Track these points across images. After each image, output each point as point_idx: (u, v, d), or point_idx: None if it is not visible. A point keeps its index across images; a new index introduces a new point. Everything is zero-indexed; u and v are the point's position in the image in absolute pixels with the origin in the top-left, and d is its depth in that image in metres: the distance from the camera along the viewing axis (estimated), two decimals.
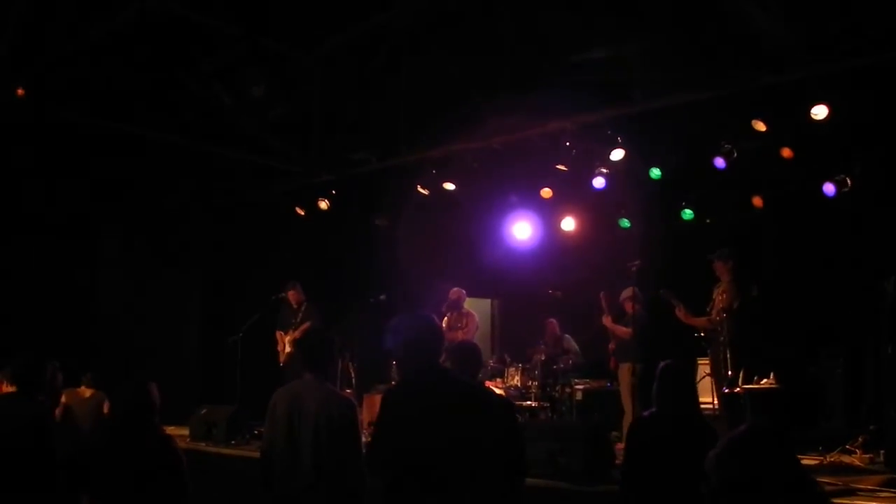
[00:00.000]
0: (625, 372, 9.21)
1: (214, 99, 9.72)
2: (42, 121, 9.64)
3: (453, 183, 10.78)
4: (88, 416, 8.40)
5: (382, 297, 10.56)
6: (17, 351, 6.03)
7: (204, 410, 9.42)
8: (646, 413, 5.13)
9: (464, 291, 11.02)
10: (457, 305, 10.86)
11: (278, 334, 10.94)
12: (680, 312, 8.38)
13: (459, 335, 10.29)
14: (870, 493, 5.62)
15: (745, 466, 2.69)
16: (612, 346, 9.69)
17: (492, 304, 12.11)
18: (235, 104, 9.65)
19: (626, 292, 9.28)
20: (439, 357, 4.15)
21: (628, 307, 9.26)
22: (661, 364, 5.02)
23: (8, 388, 6.90)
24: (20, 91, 8.94)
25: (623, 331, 9.37)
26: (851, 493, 5.52)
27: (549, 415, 10.11)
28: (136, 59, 9.21)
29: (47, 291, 10.80)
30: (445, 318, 10.67)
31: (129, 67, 9.27)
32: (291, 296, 10.87)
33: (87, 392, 8.79)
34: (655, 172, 9.78)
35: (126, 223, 12.06)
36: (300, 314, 10.76)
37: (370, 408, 9.53)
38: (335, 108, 10.79)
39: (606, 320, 9.61)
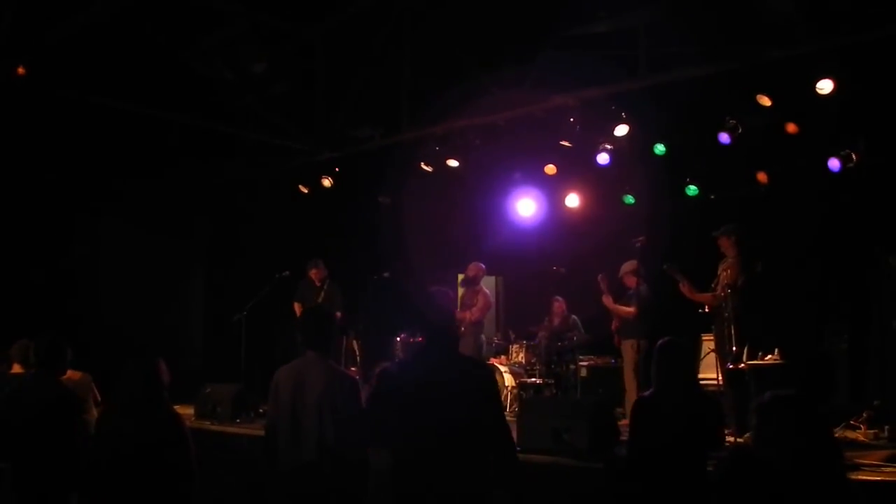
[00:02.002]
0: (628, 349, 9.19)
1: (216, 76, 9.64)
2: (43, 98, 9.59)
3: (457, 160, 10.74)
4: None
5: (386, 274, 10.53)
6: (13, 329, 6.00)
7: (208, 389, 9.42)
8: (646, 393, 5.12)
9: (483, 266, 10.63)
10: (473, 282, 10.54)
11: (296, 306, 10.89)
12: (684, 288, 8.33)
13: (467, 315, 10.20)
14: (874, 468, 5.62)
15: None
16: (615, 323, 9.67)
17: (496, 281, 12.09)
18: (237, 81, 9.57)
19: (627, 266, 9.24)
20: (447, 332, 4.11)
21: (628, 282, 9.24)
22: (659, 342, 4.99)
23: (17, 368, 6.91)
24: (21, 69, 8.90)
25: (624, 310, 9.34)
26: (856, 468, 5.52)
27: (554, 391, 10.12)
28: (136, 36, 9.14)
29: (48, 269, 10.79)
30: (461, 295, 10.58)
31: (130, 44, 9.20)
32: (314, 274, 10.97)
33: (75, 375, 8.44)
34: (660, 148, 9.75)
35: (128, 201, 12.02)
36: (323, 292, 10.77)
37: None
38: (338, 84, 10.73)
39: (606, 300, 9.56)
